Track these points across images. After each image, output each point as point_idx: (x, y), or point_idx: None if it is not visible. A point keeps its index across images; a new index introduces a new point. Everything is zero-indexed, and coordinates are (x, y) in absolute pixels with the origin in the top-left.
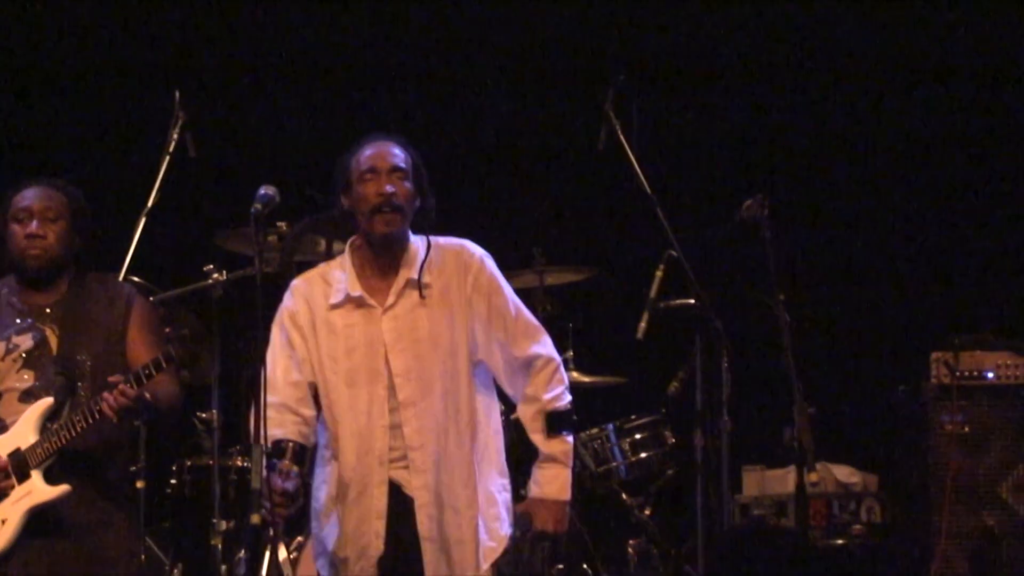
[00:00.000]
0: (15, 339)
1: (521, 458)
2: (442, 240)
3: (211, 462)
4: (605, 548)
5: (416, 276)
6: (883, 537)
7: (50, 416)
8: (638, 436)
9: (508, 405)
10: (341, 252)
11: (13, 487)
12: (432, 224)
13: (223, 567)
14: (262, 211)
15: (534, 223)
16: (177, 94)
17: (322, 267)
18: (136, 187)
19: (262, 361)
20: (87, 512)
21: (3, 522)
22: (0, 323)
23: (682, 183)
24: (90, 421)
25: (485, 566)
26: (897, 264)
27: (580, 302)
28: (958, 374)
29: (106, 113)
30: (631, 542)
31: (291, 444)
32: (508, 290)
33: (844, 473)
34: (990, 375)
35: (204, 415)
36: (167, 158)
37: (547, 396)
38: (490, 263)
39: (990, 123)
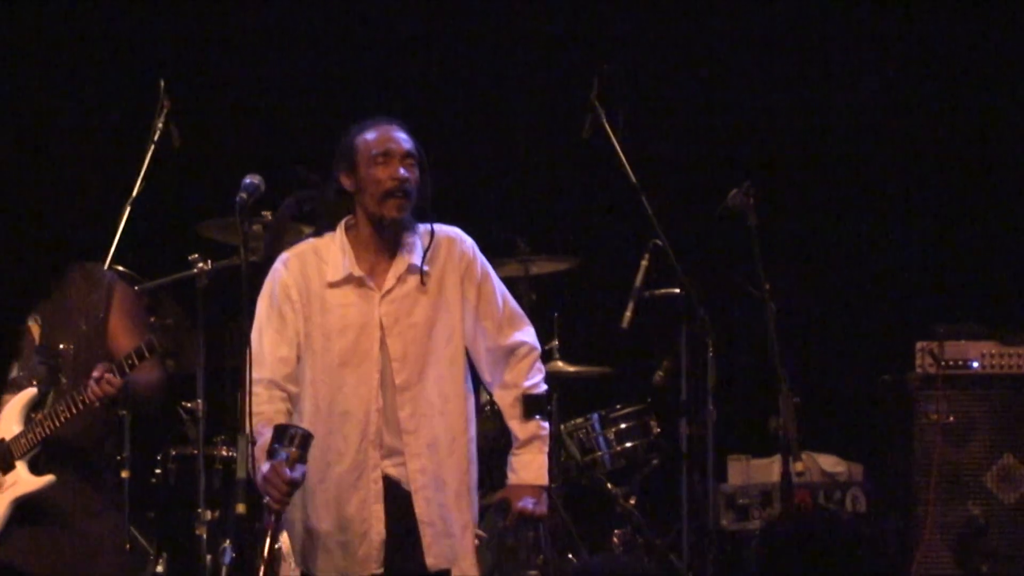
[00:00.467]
0: None
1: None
2: (436, 227)
3: (196, 452)
4: (590, 538)
5: (417, 262)
6: (868, 527)
7: (34, 406)
8: (623, 426)
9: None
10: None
11: None
12: (428, 209)
13: (208, 557)
14: (247, 200)
15: (519, 212)
16: (162, 83)
17: (313, 242)
18: (121, 176)
19: (248, 351)
20: (73, 501)
21: None
22: None
23: (668, 172)
24: (74, 411)
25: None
26: (882, 254)
27: (565, 291)
28: (943, 364)
29: (91, 102)
30: (616, 531)
31: (299, 433)
32: (496, 279)
33: (829, 463)
34: (975, 364)
35: (189, 405)
36: (152, 147)
37: (526, 383)
38: (479, 252)
39: (974, 112)
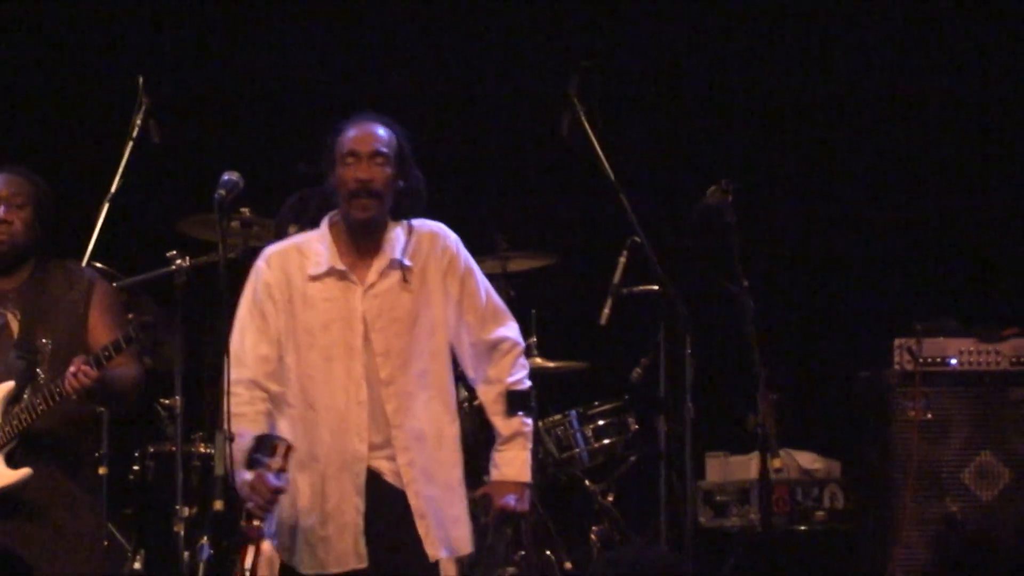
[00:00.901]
0: None
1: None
2: (419, 222)
3: (174, 448)
4: (568, 534)
5: (399, 257)
6: (846, 523)
7: (11, 400)
8: (601, 422)
9: (472, 392)
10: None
11: None
12: (421, 204)
13: (185, 553)
14: (225, 197)
15: (497, 209)
16: (141, 80)
17: (296, 239)
18: (99, 173)
19: (226, 347)
20: (51, 495)
21: None
22: None
23: (646, 169)
24: (50, 403)
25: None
26: (860, 250)
27: (543, 288)
28: (921, 360)
29: (70, 99)
30: (594, 528)
31: (282, 444)
32: (479, 274)
33: (807, 459)
34: (953, 361)
35: (167, 401)
36: (130, 144)
37: (510, 379)
38: (462, 246)
39: (952, 109)
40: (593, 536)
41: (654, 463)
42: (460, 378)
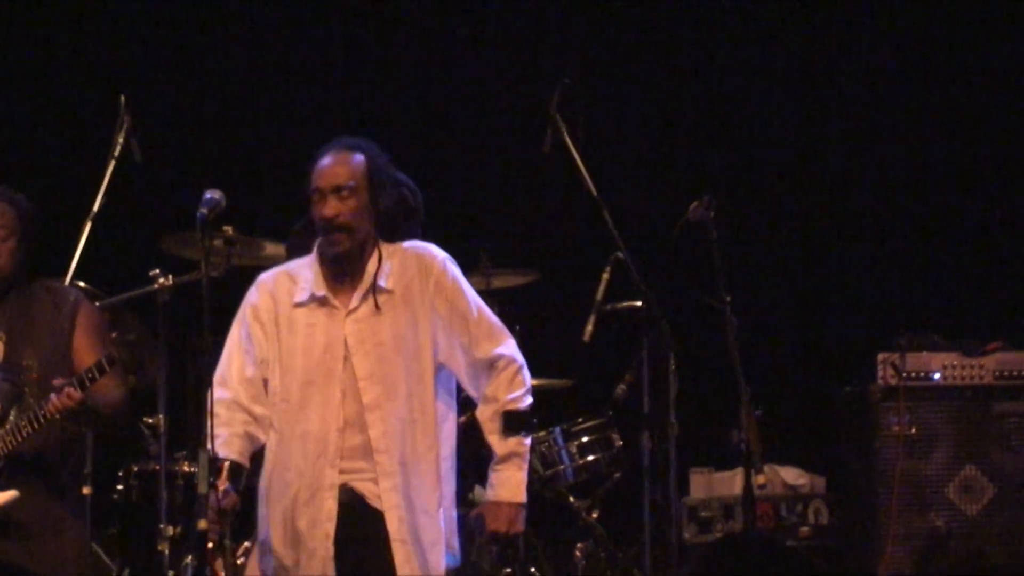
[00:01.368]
0: None
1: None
2: (406, 244)
3: (157, 467)
4: (552, 551)
5: (381, 282)
6: (830, 539)
7: None
8: (585, 439)
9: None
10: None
11: None
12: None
13: (170, 573)
14: (208, 215)
15: (480, 226)
16: (123, 98)
17: (290, 264)
18: (81, 192)
19: (212, 365)
20: (36, 516)
21: None
22: None
23: (629, 185)
24: (35, 426)
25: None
26: (843, 266)
27: (527, 305)
28: (905, 375)
29: (51, 117)
30: (578, 545)
31: (227, 463)
32: (470, 292)
33: (791, 475)
34: (936, 376)
35: (150, 420)
36: (112, 163)
37: (507, 397)
38: (452, 266)
39: (935, 124)
40: (578, 553)
41: (638, 479)
42: (468, 401)
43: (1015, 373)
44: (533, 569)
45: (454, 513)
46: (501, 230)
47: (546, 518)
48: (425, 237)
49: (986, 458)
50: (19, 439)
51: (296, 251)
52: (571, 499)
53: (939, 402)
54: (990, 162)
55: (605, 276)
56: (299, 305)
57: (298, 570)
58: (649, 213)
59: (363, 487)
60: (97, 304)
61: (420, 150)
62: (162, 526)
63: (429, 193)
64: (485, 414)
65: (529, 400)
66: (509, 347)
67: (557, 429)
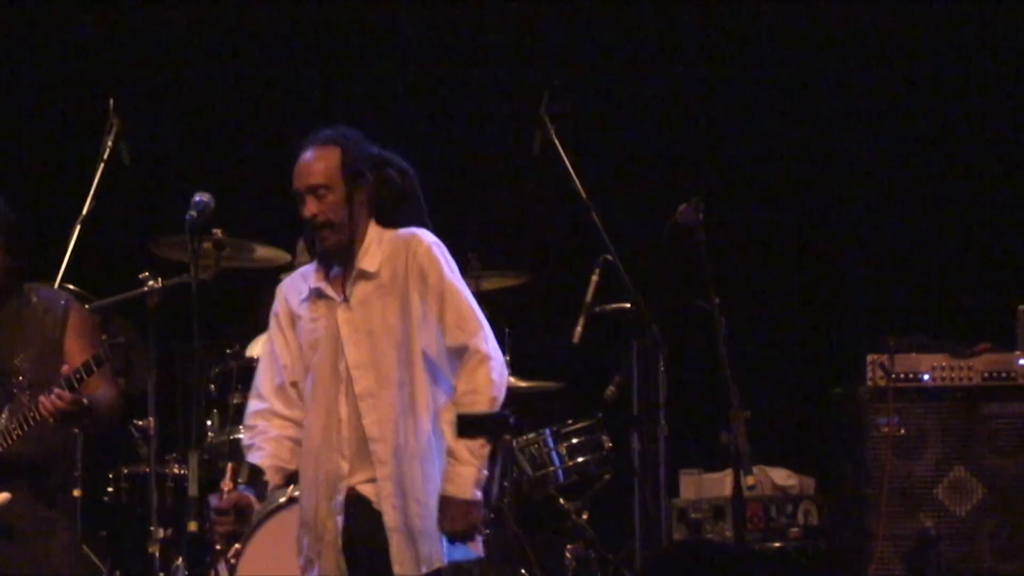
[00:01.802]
0: None
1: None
2: (400, 231)
3: (148, 470)
4: (542, 553)
5: (368, 268)
6: (820, 540)
7: None
8: (575, 441)
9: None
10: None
11: None
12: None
13: (160, 575)
14: (197, 218)
15: (469, 228)
16: (111, 102)
17: (305, 266)
18: (71, 195)
19: (201, 368)
20: (27, 518)
21: None
22: None
23: (617, 187)
24: (26, 428)
25: (445, 560)
26: (832, 267)
27: (516, 307)
28: (894, 376)
29: (40, 121)
30: (568, 547)
31: (230, 464)
32: (451, 276)
33: (781, 476)
34: (926, 377)
35: (140, 423)
36: (101, 166)
37: (463, 390)
38: (438, 250)
39: (923, 124)
40: (568, 554)
41: (628, 481)
42: None
43: (1004, 374)
44: (523, 571)
45: None
46: (490, 232)
47: (536, 519)
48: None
49: (975, 459)
50: (10, 442)
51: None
52: (561, 500)
53: (928, 403)
54: (979, 163)
55: (594, 278)
56: (304, 301)
57: (319, 562)
58: (638, 215)
59: (365, 489)
60: (87, 307)
61: (409, 152)
62: (152, 528)
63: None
64: (446, 406)
65: (489, 396)
66: (478, 337)
67: (547, 431)
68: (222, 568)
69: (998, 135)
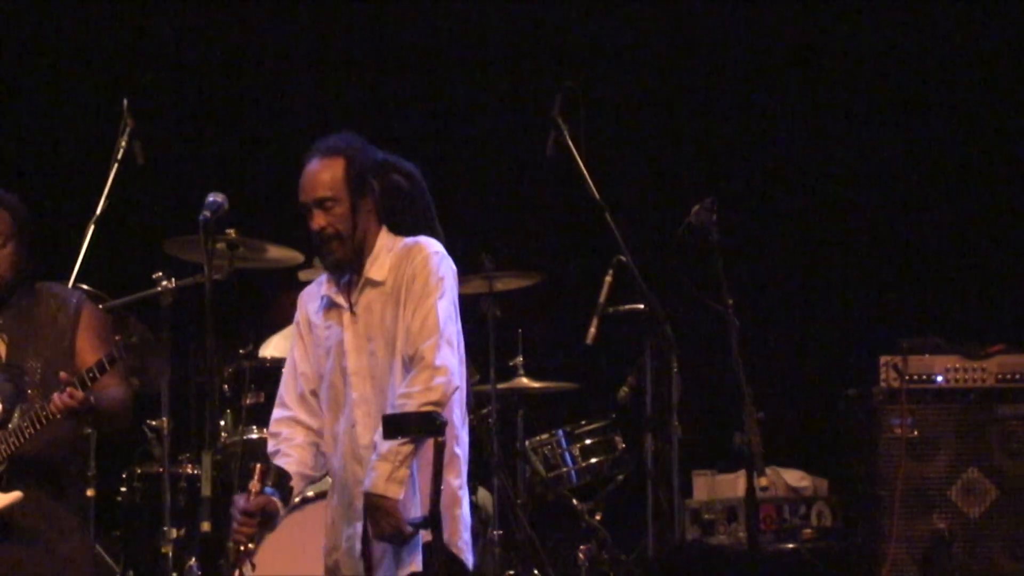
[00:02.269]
0: None
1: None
2: (408, 239)
3: (161, 470)
4: (555, 554)
5: (374, 277)
6: (833, 541)
7: None
8: (588, 441)
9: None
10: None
11: None
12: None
13: (173, 575)
14: (211, 218)
15: (483, 229)
16: (125, 102)
17: (324, 275)
18: (85, 195)
19: (213, 370)
20: (39, 518)
21: None
22: None
23: (631, 189)
24: (38, 426)
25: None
26: (846, 268)
27: (529, 308)
28: (907, 378)
29: (54, 121)
30: (581, 547)
31: (258, 465)
32: (432, 283)
33: (794, 477)
34: (939, 379)
35: (154, 423)
36: (116, 166)
37: (398, 394)
38: (434, 259)
39: (935, 127)
40: (580, 555)
41: (641, 482)
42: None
43: (1017, 376)
44: (535, 571)
45: (461, 512)
46: (504, 233)
47: (549, 520)
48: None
49: (989, 461)
50: (22, 440)
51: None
52: (574, 501)
53: (941, 405)
54: (993, 165)
55: (608, 279)
56: (319, 310)
57: (344, 569)
58: (651, 216)
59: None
60: (100, 307)
61: (423, 153)
62: (165, 528)
63: (432, 197)
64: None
65: (420, 401)
66: (427, 345)
67: (560, 431)
68: (247, 569)
69: (1013, 135)
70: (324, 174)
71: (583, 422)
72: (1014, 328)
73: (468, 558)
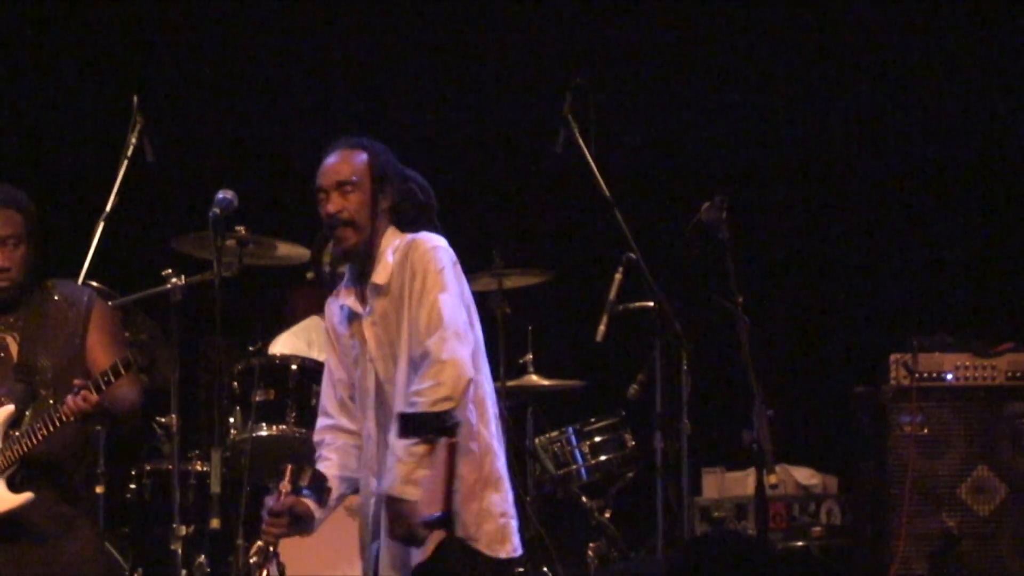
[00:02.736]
0: None
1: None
2: (410, 235)
3: (170, 467)
4: (565, 551)
5: (377, 281)
6: (843, 539)
7: (12, 423)
8: (598, 439)
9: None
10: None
11: None
12: (426, 213)
13: (183, 572)
14: (220, 215)
15: (493, 225)
16: (135, 99)
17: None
18: (94, 192)
19: (222, 367)
20: (52, 519)
21: None
22: None
23: (641, 186)
24: (51, 428)
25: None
26: (856, 266)
27: (539, 305)
28: (917, 375)
29: (64, 117)
30: (591, 545)
31: (288, 467)
32: (434, 278)
33: (804, 475)
34: (949, 377)
35: (163, 420)
36: (125, 162)
37: (410, 392)
38: (433, 253)
39: (945, 125)
40: (590, 552)
41: (651, 479)
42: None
43: None
44: (545, 569)
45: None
46: (514, 230)
47: (558, 518)
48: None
49: (998, 459)
50: (35, 441)
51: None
52: (584, 498)
53: (951, 402)
54: (1003, 163)
55: (618, 276)
56: (342, 320)
57: (371, 565)
58: (661, 213)
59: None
60: (110, 304)
61: (433, 151)
62: (175, 525)
63: (442, 194)
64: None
65: (432, 398)
66: (435, 339)
67: (570, 429)
68: (273, 569)
69: (1023, 133)
70: (348, 161)
71: (592, 419)
72: None
73: (496, 549)
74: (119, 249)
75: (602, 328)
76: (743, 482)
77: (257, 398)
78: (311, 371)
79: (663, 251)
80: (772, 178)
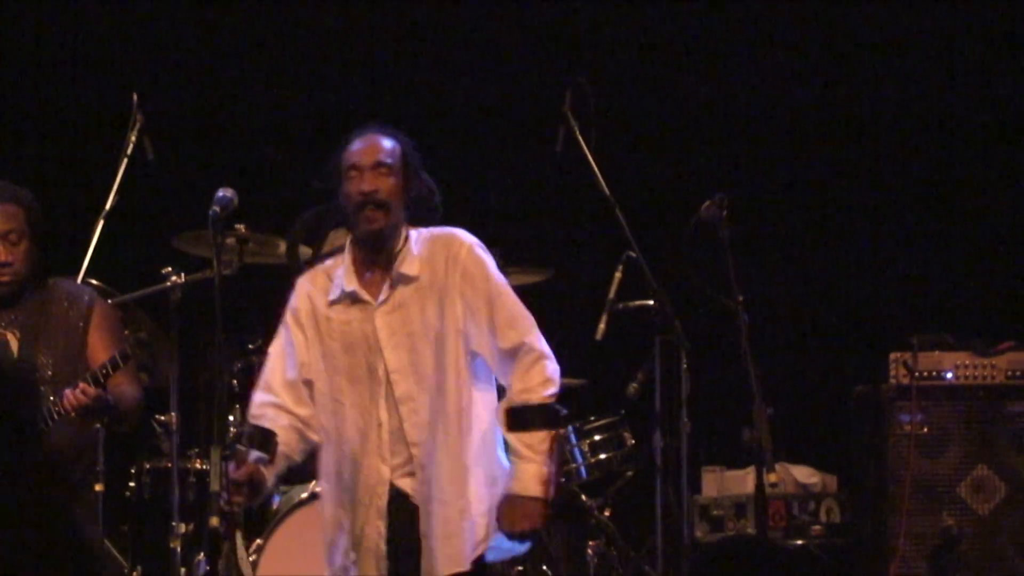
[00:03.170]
0: None
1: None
2: (435, 230)
3: (170, 465)
4: (564, 549)
5: (407, 271)
6: (843, 538)
7: None
8: (597, 437)
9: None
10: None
11: None
12: (436, 212)
13: (182, 570)
14: (220, 213)
15: (492, 224)
16: (135, 97)
17: (329, 262)
18: (94, 190)
19: (221, 365)
20: (51, 516)
21: None
22: None
23: (641, 184)
24: (50, 423)
25: (466, 564)
26: (855, 264)
27: (539, 303)
28: (917, 374)
29: (64, 116)
30: (590, 544)
31: (251, 429)
32: (497, 278)
33: (803, 474)
34: (949, 375)
35: (163, 417)
36: (125, 160)
37: (518, 389)
38: (480, 251)
39: (945, 123)
40: (589, 551)
41: (650, 478)
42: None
43: None
44: (544, 567)
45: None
46: (514, 228)
47: (558, 516)
48: None
49: (998, 458)
50: None
51: (297, 245)
52: (583, 497)
53: (951, 402)
54: (1005, 162)
55: (617, 275)
56: (334, 303)
57: (363, 569)
58: (661, 212)
59: (404, 483)
60: (110, 302)
61: (433, 148)
62: (174, 523)
63: (441, 191)
64: (502, 406)
65: (547, 392)
66: (531, 335)
67: (570, 427)
68: (239, 537)
69: None
70: (386, 145)
71: (592, 418)
72: None
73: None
74: (119, 247)
75: (602, 326)
76: (743, 481)
77: None
78: None
79: (663, 250)
80: (773, 176)
